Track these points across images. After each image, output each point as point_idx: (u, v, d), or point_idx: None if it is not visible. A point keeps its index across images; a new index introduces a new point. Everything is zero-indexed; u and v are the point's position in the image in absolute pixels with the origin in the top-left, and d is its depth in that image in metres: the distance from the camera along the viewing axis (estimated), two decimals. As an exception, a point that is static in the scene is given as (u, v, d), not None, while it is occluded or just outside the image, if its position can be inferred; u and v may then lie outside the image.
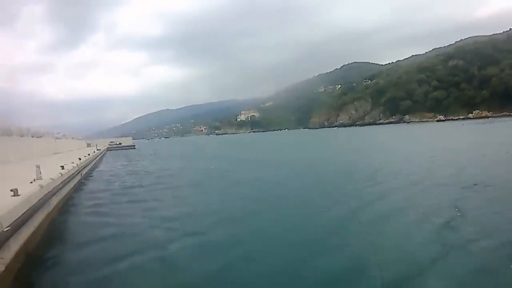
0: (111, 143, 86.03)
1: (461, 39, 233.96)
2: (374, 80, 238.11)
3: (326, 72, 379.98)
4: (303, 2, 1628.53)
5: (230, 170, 22.21)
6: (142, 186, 17.45)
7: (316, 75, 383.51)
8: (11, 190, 6.91)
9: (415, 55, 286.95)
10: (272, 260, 6.47)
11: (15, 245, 6.16)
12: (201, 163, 30.72)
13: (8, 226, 5.51)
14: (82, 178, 19.94)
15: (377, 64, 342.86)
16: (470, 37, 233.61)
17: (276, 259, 6.53)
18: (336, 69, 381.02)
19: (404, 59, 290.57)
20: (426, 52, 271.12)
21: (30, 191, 7.75)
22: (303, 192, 13.12)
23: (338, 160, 23.65)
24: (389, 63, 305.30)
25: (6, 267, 5.46)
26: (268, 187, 14.80)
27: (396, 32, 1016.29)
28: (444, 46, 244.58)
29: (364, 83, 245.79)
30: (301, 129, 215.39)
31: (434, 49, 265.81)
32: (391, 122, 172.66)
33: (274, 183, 15.67)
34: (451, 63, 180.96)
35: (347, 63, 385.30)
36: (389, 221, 8.41)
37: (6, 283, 5.34)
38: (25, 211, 6.72)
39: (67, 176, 13.46)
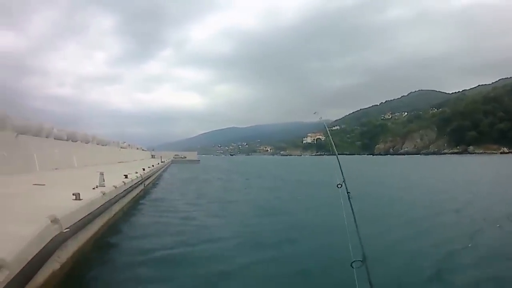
0: (175, 156, 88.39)
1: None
2: (440, 109, 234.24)
3: (393, 99, 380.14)
4: (372, 27, 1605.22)
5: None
6: (204, 199, 17.75)
7: (383, 101, 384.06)
8: (73, 194, 7.26)
9: (482, 84, 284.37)
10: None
11: (72, 246, 6.45)
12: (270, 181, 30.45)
13: (67, 228, 5.74)
14: (145, 188, 20.63)
15: (443, 92, 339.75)
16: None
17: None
18: (403, 96, 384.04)
19: (471, 88, 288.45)
20: (492, 82, 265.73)
21: (92, 196, 8.06)
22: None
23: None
24: (455, 92, 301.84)
25: (61, 266, 5.72)
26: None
27: (462, 60, 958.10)
28: (511, 77, 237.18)
29: (431, 111, 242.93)
30: (365, 155, 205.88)
31: (500, 79, 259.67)
32: (455, 153, 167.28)
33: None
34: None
35: (413, 90, 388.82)
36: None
37: (59, 281, 5.57)
38: (85, 215, 6.97)
39: (130, 185, 13.91)
